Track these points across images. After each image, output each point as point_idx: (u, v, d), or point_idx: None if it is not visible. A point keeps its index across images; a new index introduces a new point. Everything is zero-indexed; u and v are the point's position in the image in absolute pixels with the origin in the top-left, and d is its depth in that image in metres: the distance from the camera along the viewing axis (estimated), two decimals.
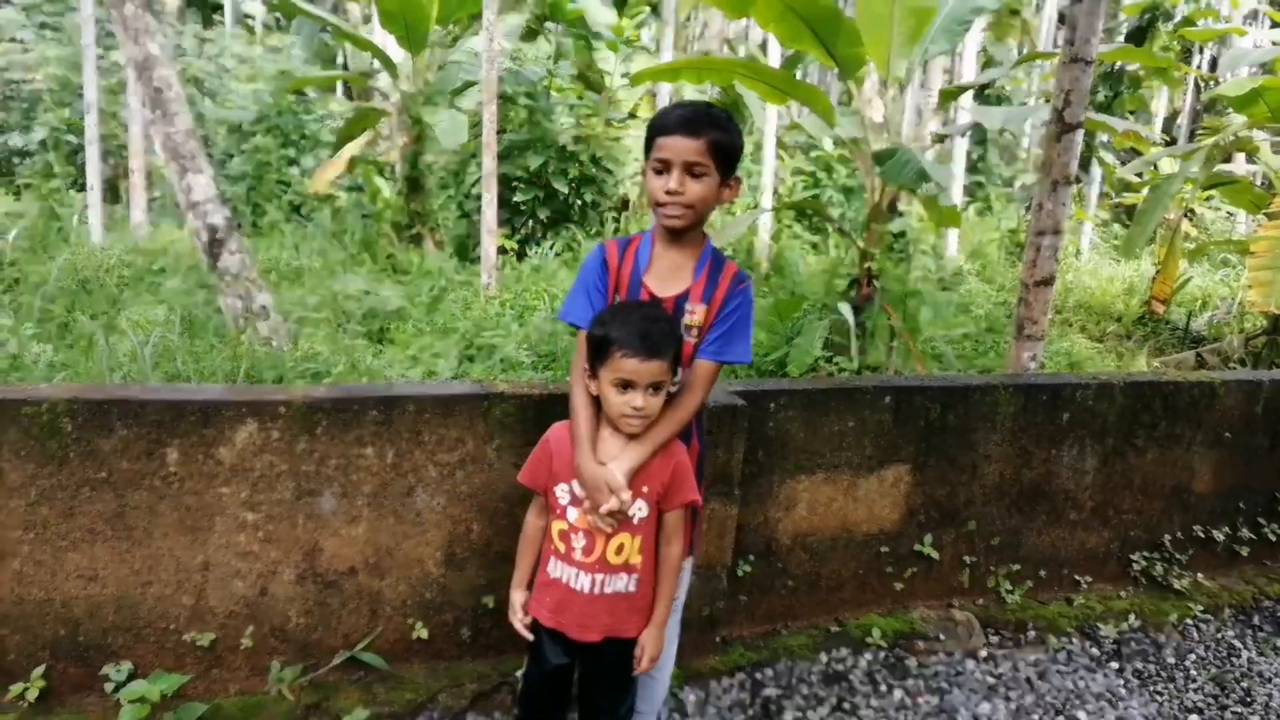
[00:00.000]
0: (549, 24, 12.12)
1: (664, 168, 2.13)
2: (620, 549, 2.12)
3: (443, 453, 2.70)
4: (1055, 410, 3.48)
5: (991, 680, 3.17)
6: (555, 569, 2.17)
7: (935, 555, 3.40)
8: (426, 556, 2.77)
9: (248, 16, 21.15)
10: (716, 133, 2.12)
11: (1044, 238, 4.32)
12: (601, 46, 11.76)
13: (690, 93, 12.67)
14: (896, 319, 6.22)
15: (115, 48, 8.83)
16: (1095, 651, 3.42)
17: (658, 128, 2.15)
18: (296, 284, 8.09)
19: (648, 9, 13.98)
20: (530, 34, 12.74)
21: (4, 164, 11.44)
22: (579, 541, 2.12)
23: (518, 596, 2.25)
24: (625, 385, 2.04)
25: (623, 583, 2.14)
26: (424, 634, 2.80)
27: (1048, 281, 4.32)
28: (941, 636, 3.31)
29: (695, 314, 2.22)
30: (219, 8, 20.43)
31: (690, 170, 2.11)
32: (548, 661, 2.20)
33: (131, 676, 2.57)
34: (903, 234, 9.97)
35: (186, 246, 8.16)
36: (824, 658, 3.15)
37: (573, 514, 2.12)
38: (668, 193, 2.12)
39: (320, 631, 2.72)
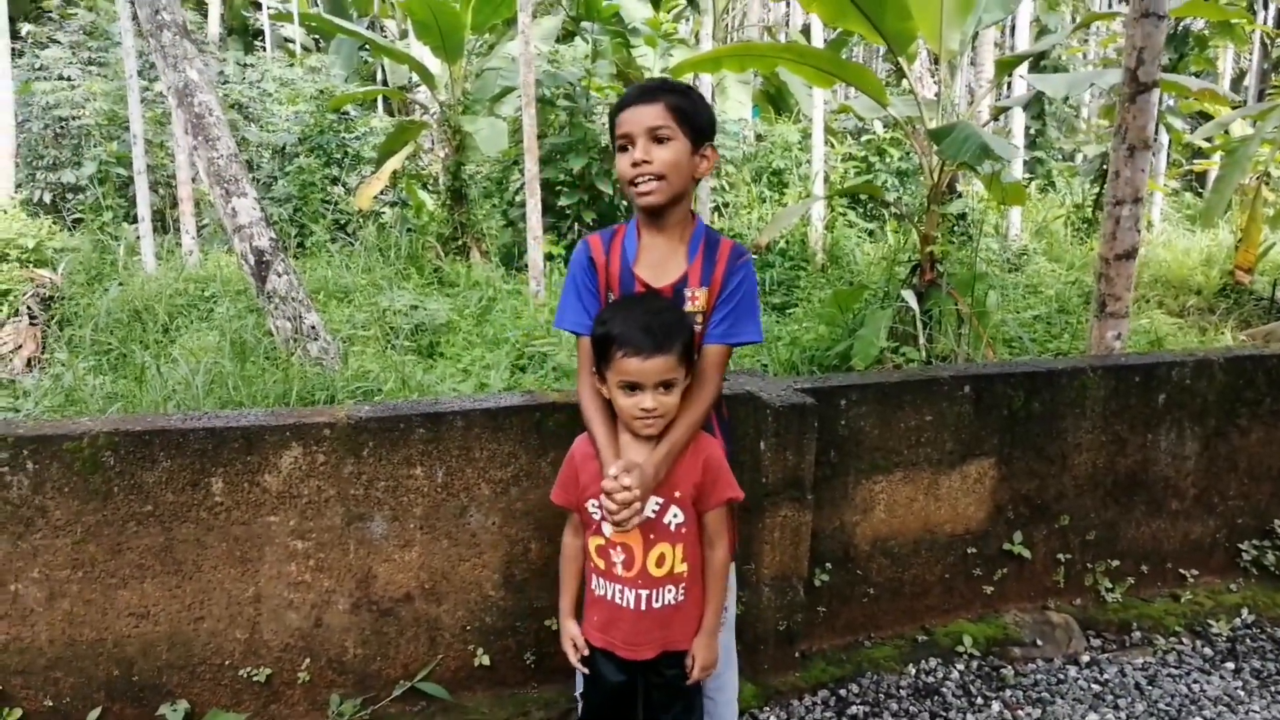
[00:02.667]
0: (585, 24, 12.01)
1: (627, 142, 1.99)
2: (661, 559, 1.96)
3: (495, 469, 2.56)
4: (1150, 392, 3.22)
5: (1097, 688, 2.92)
6: (599, 586, 2.01)
7: (1026, 554, 3.17)
8: (484, 579, 2.62)
9: (288, 40, 21.44)
10: (674, 96, 1.98)
11: (1123, 207, 4.04)
12: (640, 43, 11.62)
13: (733, 83, 12.46)
14: (964, 304, 5.95)
15: (158, 78, 8.92)
16: (1208, 651, 3.15)
17: (616, 108, 2.04)
18: (345, 302, 8.06)
19: (684, 2, 13.80)
20: (567, 35, 12.64)
21: (57, 200, 11.63)
22: (618, 556, 1.96)
23: (570, 627, 2.08)
24: (632, 387, 1.87)
25: (671, 594, 1.97)
26: (486, 660, 2.66)
27: (1130, 254, 4.04)
28: (1038, 642, 3.07)
29: (697, 299, 2.05)
30: (259, 34, 20.73)
31: (653, 137, 1.96)
32: (605, 680, 2.05)
33: (188, 716, 2.47)
34: (963, 215, 9.63)
35: (236, 271, 8.18)
36: (912, 670, 2.94)
37: (607, 528, 1.96)
38: (634, 164, 1.97)
39: (379, 662, 2.60)
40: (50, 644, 2.35)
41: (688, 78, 11.04)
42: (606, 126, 9.91)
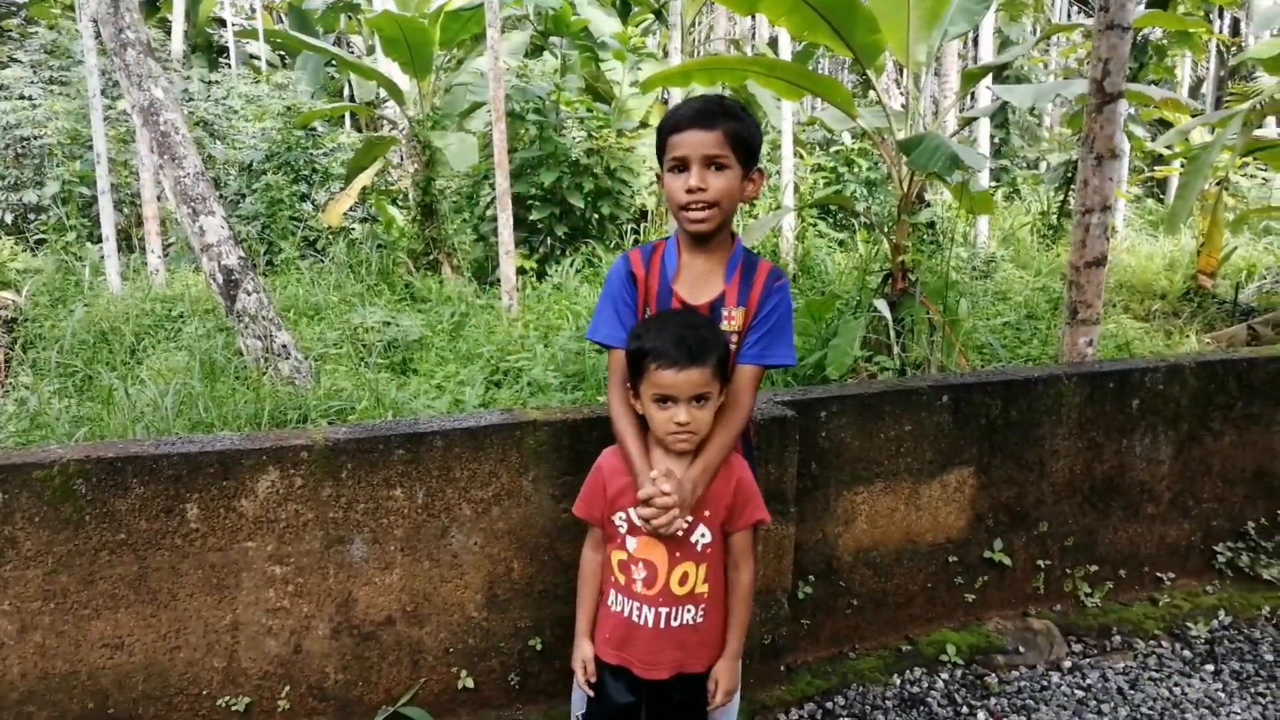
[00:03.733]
0: (553, 38, 12.02)
1: (681, 166, 1.98)
2: (684, 578, 1.94)
3: (476, 489, 2.53)
4: (1124, 398, 3.26)
5: (1080, 693, 2.94)
6: (616, 602, 1.99)
7: (1007, 561, 3.19)
8: (467, 600, 2.59)
9: (253, 57, 21.27)
10: (733, 123, 1.97)
11: (1092, 215, 4.09)
12: (609, 57, 11.63)
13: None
14: (936, 312, 5.99)
15: (122, 97, 8.81)
16: (1187, 654, 3.18)
17: (669, 126, 2.00)
18: (316, 320, 7.98)
19: (652, 16, 13.86)
20: (535, 50, 12.64)
21: (19, 221, 11.44)
22: (639, 573, 1.94)
23: (585, 648, 2.05)
24: (665, 400, 1.86)
25: (690, 614, 1.95)
26: (470, 683, 2.62)
27: (1099, 262, 4.08)
28: (1021, 649, 3.09)
29: (733, 319, 2.06)
30: (224, 51, 20.55)
31: (710, 164, 1.95)
32: (611, 701, 2.01)
33: None
34: (932, 224, 9.72)
35: (203, 290, 8.08)
36: (897, 680, 2.94)
37: (632, 543, 1.95)
38: (689, 191, 1.96)
39: (360, 687, 2.56)
40: (22, 678, 2.29)
41: (655, 91, 11.08)
42: (583, 140, 9.98)
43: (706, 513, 1.94)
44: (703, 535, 1.94)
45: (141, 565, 2.32)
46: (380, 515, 2.47)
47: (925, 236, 9.51)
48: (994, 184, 14.18)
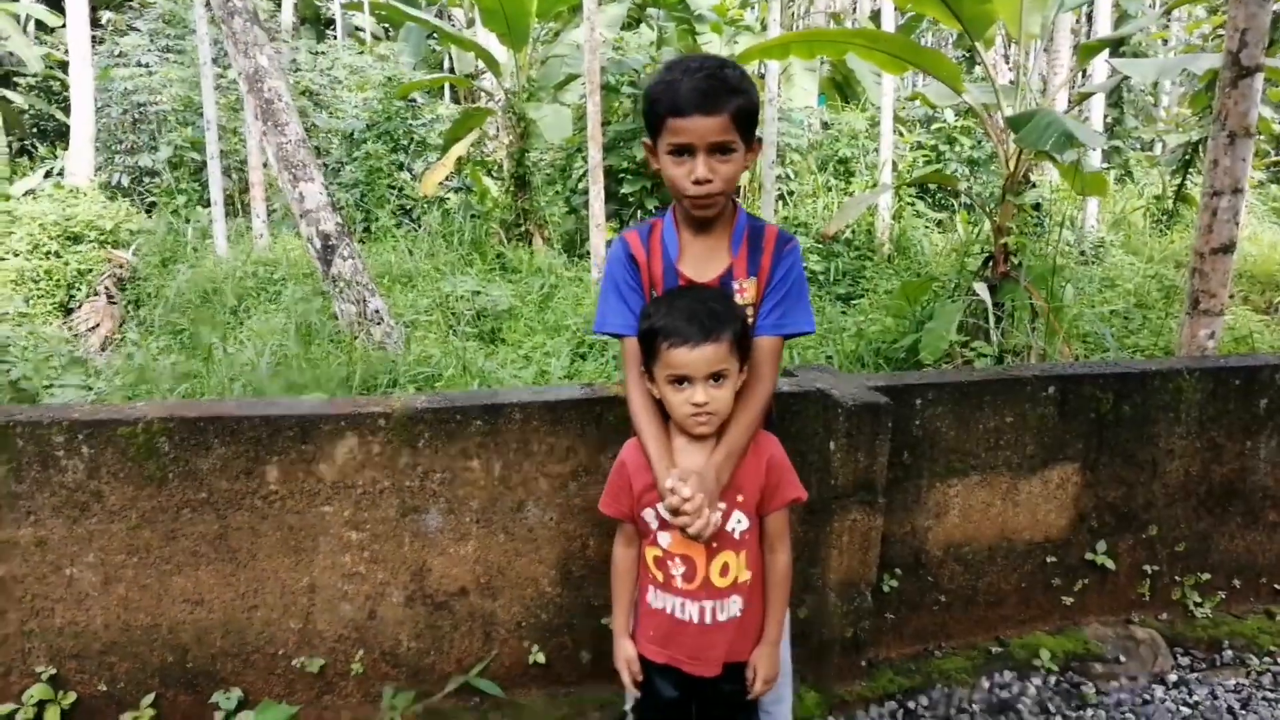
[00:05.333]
0: (651, 10, 11.87)
1: (683, 152, 1.80)
2: (725, 569, 1.84)
3: (553, 463, 2.48)
4: (1250, 396, 3.02)
5: (1186, 710, 2.75)
6: (656, 599, 1.89)
7: (1110, 564, 2.99)
8: (541, 575, 2.55)
9: (358, 29, 21.69)
10: (738, 99, 1.78)
11: (1221, 198, 3.80)
12: (705, 29, 11.44)
13: (799, 70, 12.23)
14: (1039, 297, 5.71)
15: (231, 65, 9.05)
16: None
17: (668, 105, 1.78)
18: (408, 287, 8.09)
19: None
20: (632, 22, 12.52)
21: (135, 183, 11.91)
22: (678, 568, 1.84)
23: (627, 647, 1.96)
24: (681, 380, 1.75)
25: (736, 606, 1.86)
26: (541, 658, 2.58)
27: (1227, 248, 3.79)
28: (1121, 658, 2.90)
29: (746, 291, 1.93)
30: (331, 22, 21.00)
31: (716, 150, 1.79)
32: (660, 697, 1.93)
33: (241, 704, 2.45)
34: (1038, 206, 9.30)
35: (303, 255, 8.26)
36: (985, 683, 2.80)
37: (665, 538, 1.84)
38: (696, 182, 1.80)
39: (433, 655, 2.55)
40: (105, 629, 2.34)
41: (753, 65, 10.85)
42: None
43: (740, 497, 1.83)
44: (739, 522, 1.84)
45: (222, 524, 2.35)
46: (456, 486, 2.44)
47: (1030, 218, 9.11)
48: (1105, 165, 13.50)
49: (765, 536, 1.90)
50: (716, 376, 1.76)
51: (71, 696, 2.33)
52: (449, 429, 2.40)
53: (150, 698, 2.39)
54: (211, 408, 2.34)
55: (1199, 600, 3.13)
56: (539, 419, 2.45)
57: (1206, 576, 3.14)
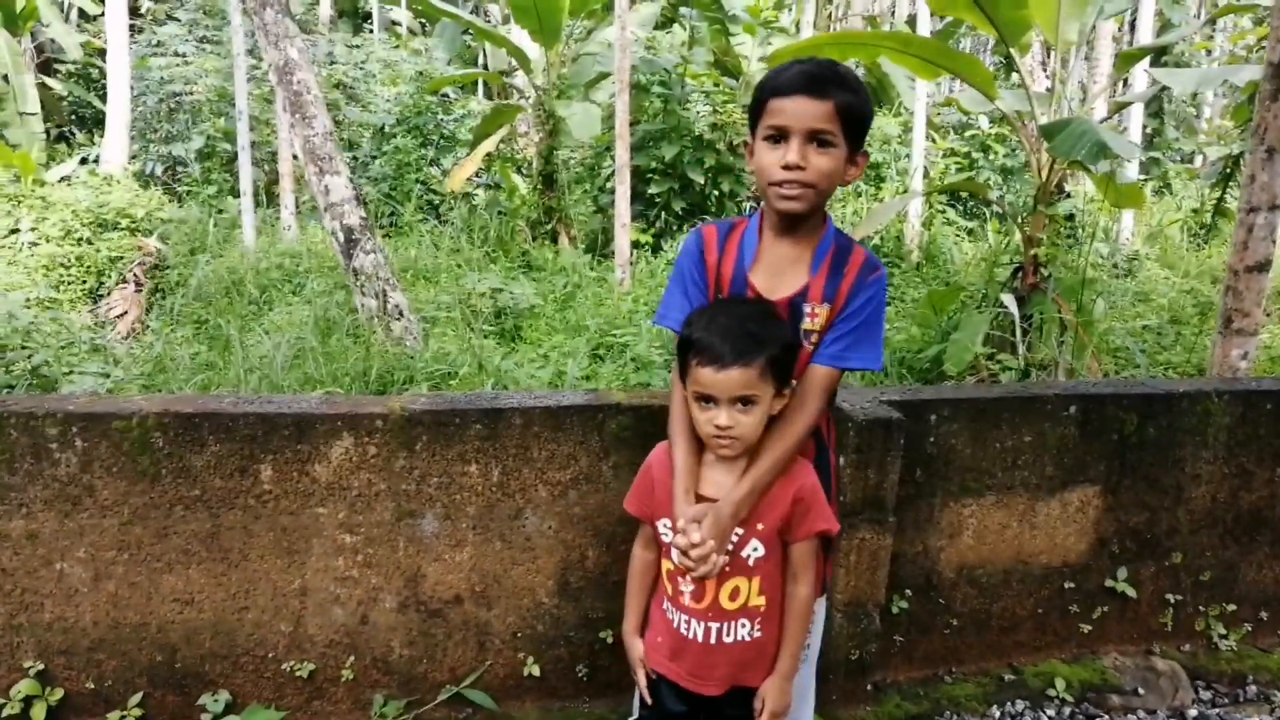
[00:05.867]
0: (684, 10, 11.79)
1: (779, 135, 1.71)
2: (735, 593, 1.77)
3: (553, 471, 2.42)
4: None
5: None
6: (668, 610, 1.85)
7: (1131, 592, 2.88)
8: (538, 585, 2.49)
9: (395, 23, 21.79)
10: (847, 94, 1.70)
11: (1258, 215, 3.66)
12: (739, 30, 11.35)
13: None
14: (1068, 311, 5.57)
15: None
16: None
17: (771, 87, 1.72)
18: (431, 283, 8.07)
19: None
20: (666, 22, 12.45)
21: (169, 173, 12.00)
22: (687, 586, 1.78)
23: (636, 645, 1.93)
24: (707, 399, 1.68)
25: (744, 630, 1.79)
26: (536, 670, 2.52)
27: (1263, 266, 3.66)
28: (1140, 690, 2.79)
29: (817, 315, 1.81)
30: (368, 16, 21.11)
31: (814, 139, 1.70)
32: (665, 708, 1.89)
33: (229, 707, 2.41)
34: (1071, 217, 9.12)
35: (329, 248, 8.27)
36: (996, 711, 2.70)
37: (677, 554, 1.78)
38: (785, 167, 1.70)
39: (425, 664, 2.49)
40: (94, 625, 2.31)
41: None
42: (708, 114, 9.77)
43: (759, 525, 1.76)
44: (754, 549, 1.77)
45: (214, 523, 2.31)
46: (454, 491, 2.39)
47: (1062, 229, 8.93)
48: (1143, 177, 13.24)
49: (789, 565, 1.82)
50: (744, 401, 1.68)
51: (59, 693, 2.30)
52: (447, 432, 2.35)
53: (138, 697, 2.36)
54: (207, 403, 2.30)
55: (1223, 632, 3.01)
56: (540, 424, 2.39)
57: (1232, 608, 3.03)
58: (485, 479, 2.39)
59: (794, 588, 1.82)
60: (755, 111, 1.77)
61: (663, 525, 1.82)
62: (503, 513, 2.42)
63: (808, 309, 1.82)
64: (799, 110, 1.69)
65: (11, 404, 2.23)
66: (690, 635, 1.79)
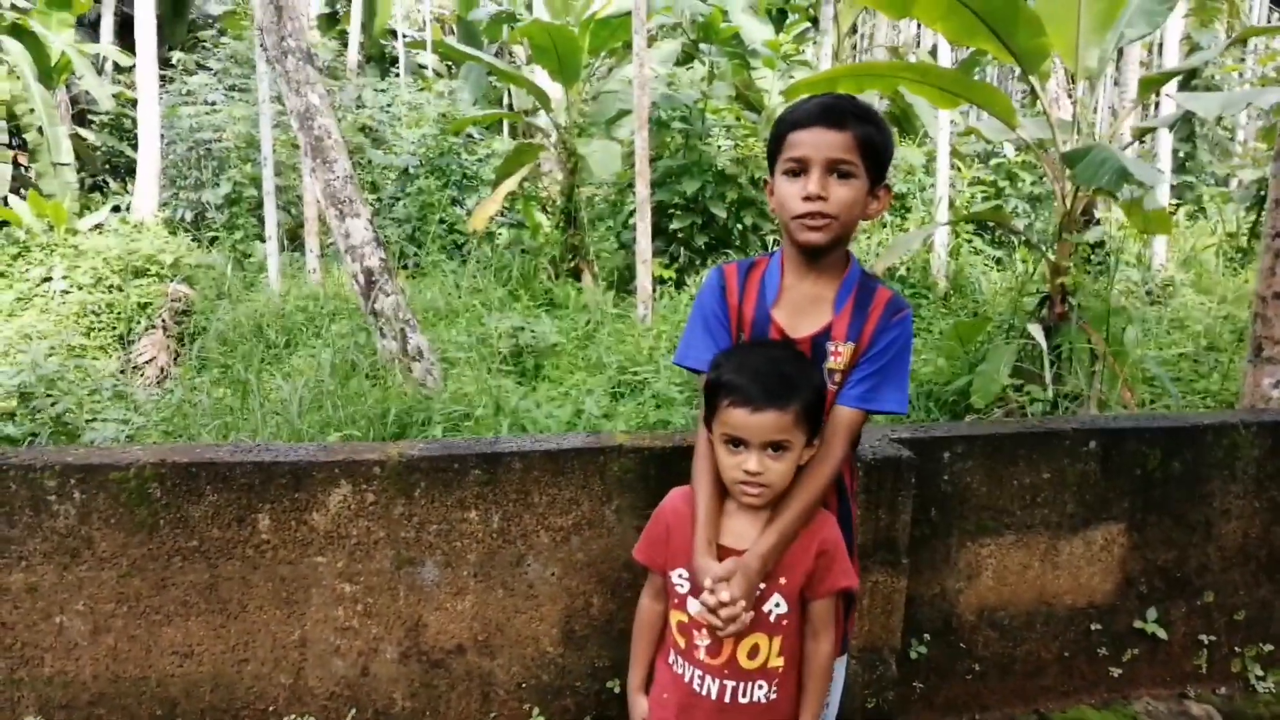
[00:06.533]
0: (704, 46, 11.87)
1: (799, 168, 1.69)
2: (754, 651, 1.70)
3: (555, 516, 2.37)
4: None
5: None
6: (677, 664, 1.77)
7: (1162, 633, 2.77)
8: (542, 634, 2.43)
9: (421, 67, 22.15)
10: (866, 126, 1.68)
11: None
12: (759, 64, 11.39)
13: None
14: (1098, 340, 5.45)
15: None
16: None
17: (789, 122, 1.72)
18: (452, 323, 8.10)
19: (808, 24, 13.52)
20: (687, 58, 12.53)
21: (198, 218, 12.21)
22: (702, 640, 1.71)
23: (640, 704, 1.85)
24: (737, 443, 1.63)
25: (761, 691, 1.71)
26: None
27: None
28: None
29: (840, 354, 1.76)
30: (396, 61, 21.49)
31: (834, 170, 1.67)
32: None
33: None
34: (1100, 244, 8.99)
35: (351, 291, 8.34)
36: None
37: (694, 605, 1.70)
38: (806, 199, 1.68)
39: (428, 716, 2.44)
40: (94, 679, 2.28)
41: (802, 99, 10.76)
42: (729, 149, 9.80)
43: (782, 580, 1.69)
44: (777, 605, 1.70)
45: (213, 574, 2.28)
46: (453, 538, 2.34)
47: (1092, 257, 8.80)
48: (1176, 201, 13.05)
49: (810, 622, 1.75)
50: (776, 446, 1.63)
51: None
52: (446, 478, 2.31)
53: None
54: (204, 453, 2.29)
55: (1261, 674, 2.88)
56: (540, 469, 2.34)
57: (1269, 648, 2.90)
58: (485, 525, 2.35)
59: (815, 645, 1.74)
60: (774, 148, 1.76)
61: (677, 575, 1.76)
62: (504, 559, 2.37)
63: (831, 348, 1.78)
64: (818, 141, 1.68)
65: (11, 456, 2.23)
66: (703, 692, 1.72)
